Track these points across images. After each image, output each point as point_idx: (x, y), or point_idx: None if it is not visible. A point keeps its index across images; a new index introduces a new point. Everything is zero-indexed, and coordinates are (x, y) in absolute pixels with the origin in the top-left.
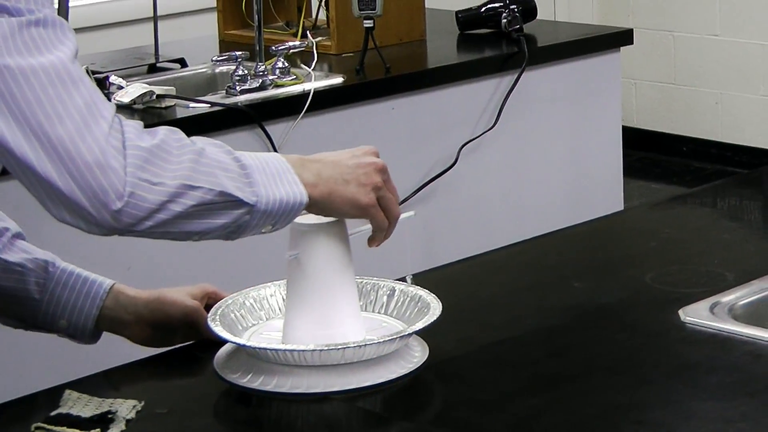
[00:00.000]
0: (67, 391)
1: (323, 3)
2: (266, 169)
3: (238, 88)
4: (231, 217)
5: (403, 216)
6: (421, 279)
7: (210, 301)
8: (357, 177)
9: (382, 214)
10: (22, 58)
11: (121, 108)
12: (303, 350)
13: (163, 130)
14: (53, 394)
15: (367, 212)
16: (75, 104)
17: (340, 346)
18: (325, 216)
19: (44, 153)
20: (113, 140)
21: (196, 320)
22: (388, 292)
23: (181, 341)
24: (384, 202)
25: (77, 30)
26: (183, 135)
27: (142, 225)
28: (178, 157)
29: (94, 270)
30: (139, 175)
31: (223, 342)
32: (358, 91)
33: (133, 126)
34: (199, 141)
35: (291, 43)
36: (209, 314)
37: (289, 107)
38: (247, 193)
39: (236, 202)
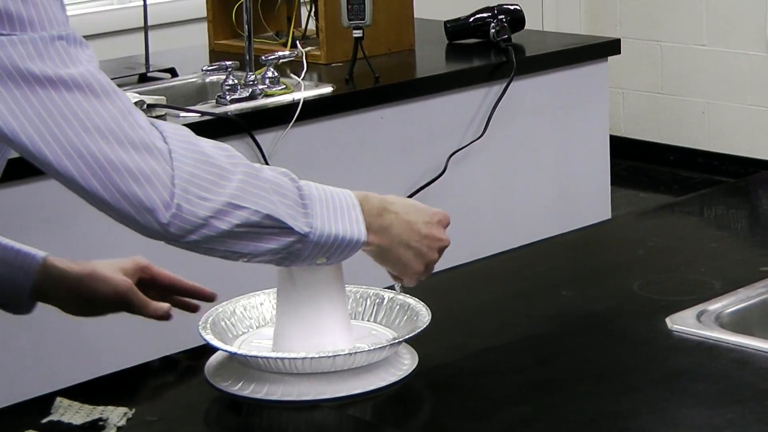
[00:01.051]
0: (59, 399)
1: (313, 13)
2: (330, 202)
3: (228, 97)
4: (280, 243)
5: None
6: (410, 287)
7: (143, 275)
8: (420, 248)
9: (419, 278)
10: (55, 70)
11: None
12: (294, 358)
13: (213, 143)
14: (45, 402)
15: (408, 277)
16: (111, 115)
17: (330, 354)
18: (377, 261)
19: (86, 167)
20: (156, 150)
21: (127, 299)
22: (378, 300)
23: (112, 312)
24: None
25: None
26: (236, 152)
27: (188, 238)
28: (229, 173)
29: None
30: (187, 187)
31: (213, 350)
32: (347, 100)
33: (179, 134)
34: (261, 166)
35: (281, 53)
36: (200, 322)
37: (278, 117)
38: (300, 222)
39: (286, 229)
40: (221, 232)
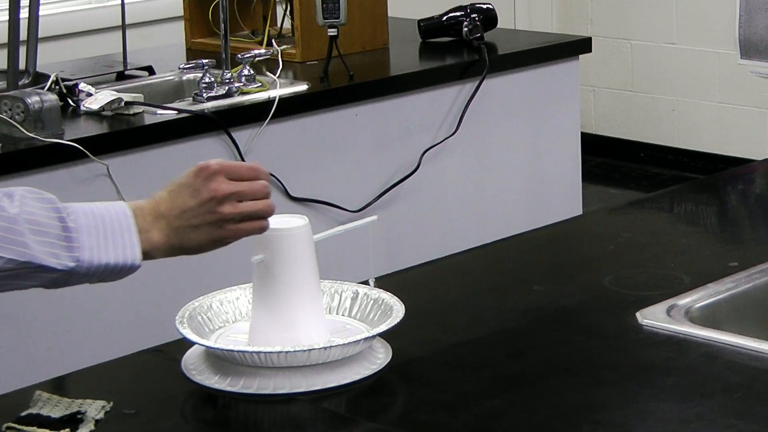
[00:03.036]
0: (38, 392)
1: (288, 12)
2: (99, 230)
3: (204, 95)
4: (43, 280)
5: (365, 220)
6: (383, 282)
7: None
8: (203, 219)
9: (246, 229)
10: None
11: (90, 115)
12: (269, 352)
13: None
14: (23, 395)
15: (228, 241)
16: None
17: (305, 348)
18: (197, 253)
19: None
20: None
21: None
22: (352, 295)
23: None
24: (249, 217)
25: (47, 38)
26: (2, 194)
27: None
28: None
29: None
30: None
31: (190, 344)
32: (322, 98)
33: None
34: (23, 197)
35: (256, 51)
36: (177, 317)
37: (254, 114)
38: (63, 259)
39: (46, 269)
40: None
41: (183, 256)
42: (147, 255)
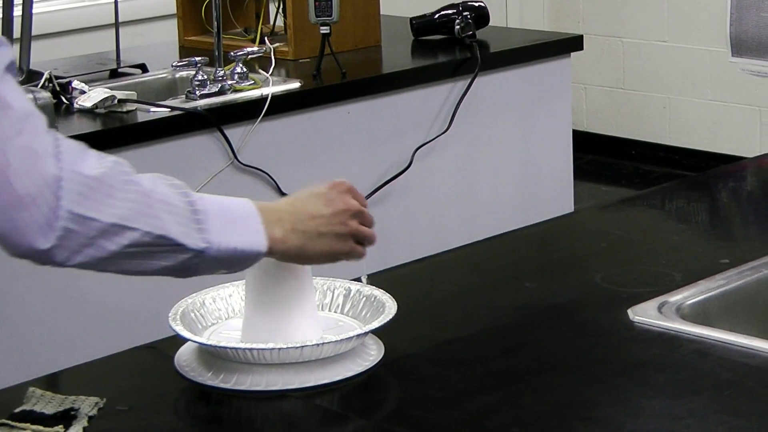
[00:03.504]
0: (31, 389)
1: (281, 10)
2: (226, 214)
3: (197, 92)
4: (175, 261)
5: None
6: (376, 279)
7: None
8: (332, 228)
9: (359, 253)
10: None
11: (84, 112)
12: (262, 349)
13: (110, 161)
14: (17, 391)
15: (340, 258)
16: (5, 134)
17: (298, 345)
18: (301, 263)
19: None
20: (46, 172)
21: None
22: (344, 292)
23: None
24: (361, 240)
25: (40, 36)
26: (132, 170)
27: (73, 260)
28: (122, 193)
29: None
30: (73, 209)
31: (183, 341)
32: (314, 95)
33: (75, 150)
34: (153, 179)
35: (249, 49)
36: (170, 313)
37: (247, 111)
38: (195, 239)
39: (179, 247)
40: (110, 252)
41: (292, 263)
42: (267, 249)
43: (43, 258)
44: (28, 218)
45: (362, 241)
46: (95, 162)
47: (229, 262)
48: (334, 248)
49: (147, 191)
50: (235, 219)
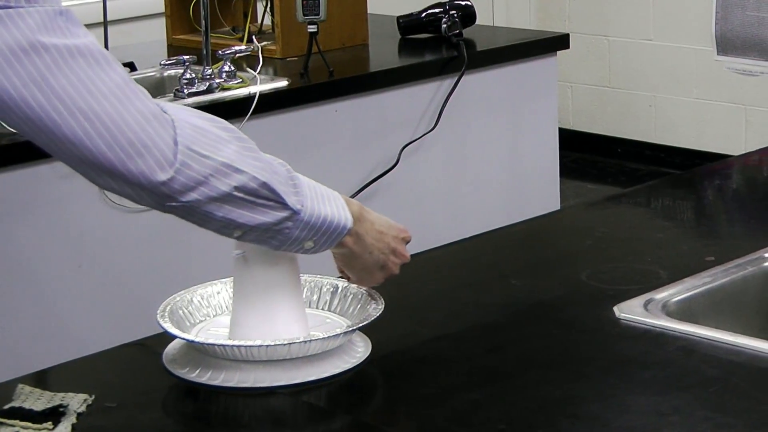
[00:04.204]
0: (20, 385)
1: (268, 8)
2: (317, 189)
3: (185, 91)
4: (272, 218)
5: None
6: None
7: None
8: (387, 261)
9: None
10: (63, 40)
11: None
12: (250, 346)
13: (210, 116)
14: (6, 388)
15: (366, 285)
16: (115, 82)
17: (285, 342)
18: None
19: (92, 128)
20: (159, 114)
21: None
22: (332, 289)
23: None
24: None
25: None
26: (233, 127)
27: (189, 196)
28: (229, 140)
29: (45, 267)
30: (189, 145)
31: (171, 338)
32: (302, 94)
33: (177, 105)
34: (250, 140)
35: (237, 48)
36: (158, 311)
37: (235, 109)
38: (292, 199)
39: (279, 203)
40: (220, 193)
41: (343, 265)
42: (352, 226)
43: (164, 190)
44: (151, 152)
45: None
46: (196, 114)
47: (317, 232)
48: (375, 275)
49: (251, 145)
50: (324, 195)
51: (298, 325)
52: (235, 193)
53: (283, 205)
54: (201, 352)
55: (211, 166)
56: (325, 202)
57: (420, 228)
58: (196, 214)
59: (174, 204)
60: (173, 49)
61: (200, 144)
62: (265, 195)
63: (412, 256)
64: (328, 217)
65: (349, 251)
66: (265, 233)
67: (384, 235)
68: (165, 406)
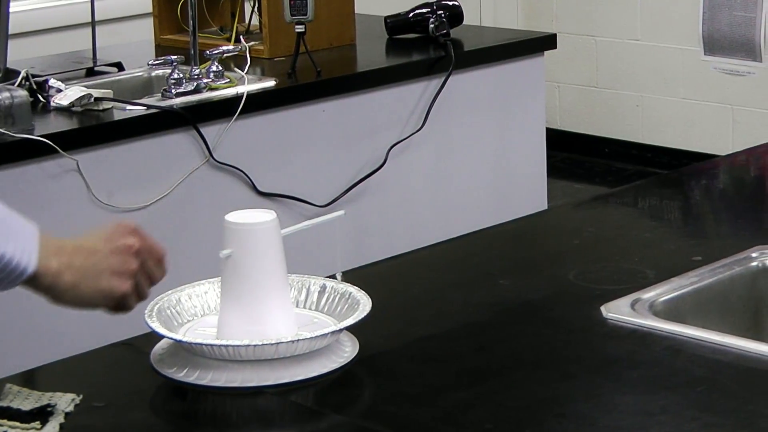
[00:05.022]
0: (8, 385)
1: (256, 8)
2: (5, 225)
3: (173, 91)
4: None
5: (333, 215)
6: (350, 276)
7: None
8: (112, 265)
9: (133, 302)
10: None
11: (60, 110)
12: (237, 345)
13: None
14: None
15: (119, 302)
16: None
17: (273, 342)
18: (76, 308)
19: None
20: None
21: None
22: (319, 289)
23: None
24: (138, 288)
25: (17, 35)
26: None
27: None
28: None
29: None
30: None
31: (159, 337)
32: (289, 94)
33: None
34: None
35: (225, 48)
36: (146, 310)
37: (223, 110)
38: None
39: None
40: None
41: (60, 305)
42: (38, 276)
43: None
44: None
45: (138, 287)
46: None
47: None
48: (114, 285)
49: None
50: (13, 232)
51: (285, 324)
52: None
53: None
54: (189, 352)
55: None
56: (10, 239)
57: (407, 228)
58: None
59: None
60: (161, 49)
61: None
62: None
63: (399, 255)
64: (7, 254)
65: (66, 286)
66: None
67: (93, 249)
68: (153, 406)
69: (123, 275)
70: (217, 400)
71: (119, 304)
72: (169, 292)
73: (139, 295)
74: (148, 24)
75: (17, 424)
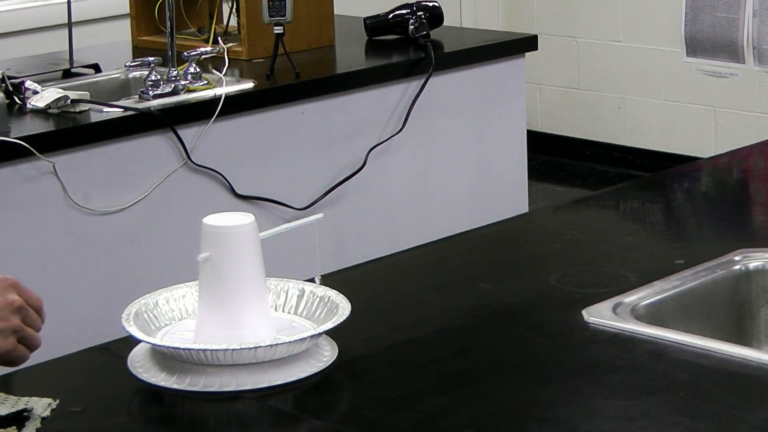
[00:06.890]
0: None
1: (234, 9)
2: None
3: (150, 93)
4: None
5: (311, 218)
6: (329, 280)
7: None
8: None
9: (22, 353)
10: None
11: (37, 112)
12: (215, 349)
13: None
14: None
15: (6, 358)
16: None
17: (251, 346)
18: None
19: None
20: None
21: None
22: (298, 292)
23: None
24: (24, 341)
25: None
26: None
27: None
28: None
29: (9, 270)
30: None
31: (136, 342)
32: (268, 95)
33: None
34: None
35: (203, 49)
36: (123, 314)
37: (200, 112)
38: None
39: None
40: None
41: None
42: None
43: None
44: None
45: (26, 343)
46: None
47: None
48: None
49: None
50: None
51: (264, 328)
52: None
53: None
54: (166, 356)
55: None
56: None
57: (387, 231)
58: None
59: None
60: (138, 51)
61: None
62: None
63: (379, 259)
64: None
65: None
66: None
67: None
68: (130, 411)
69: (4, 332)
70: (195, 404)
71: (8, 361)
72: (147, 295)
73: (29, 347)
74: (125, 25)
75: None
